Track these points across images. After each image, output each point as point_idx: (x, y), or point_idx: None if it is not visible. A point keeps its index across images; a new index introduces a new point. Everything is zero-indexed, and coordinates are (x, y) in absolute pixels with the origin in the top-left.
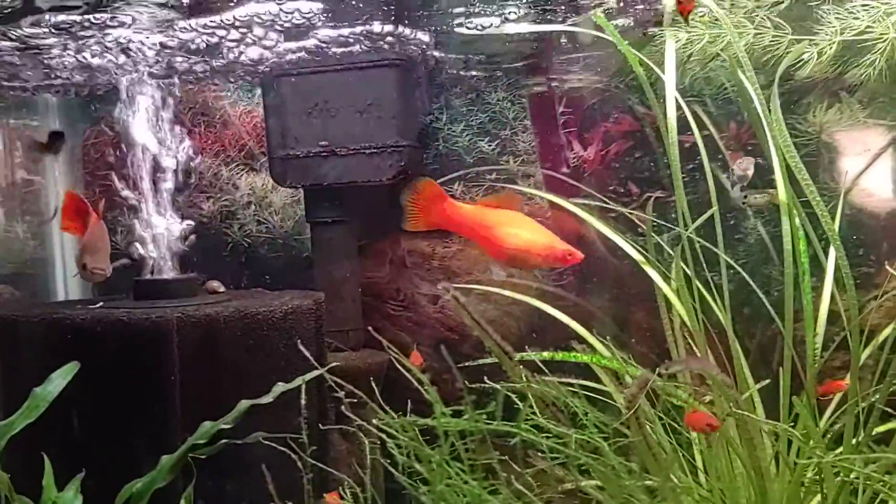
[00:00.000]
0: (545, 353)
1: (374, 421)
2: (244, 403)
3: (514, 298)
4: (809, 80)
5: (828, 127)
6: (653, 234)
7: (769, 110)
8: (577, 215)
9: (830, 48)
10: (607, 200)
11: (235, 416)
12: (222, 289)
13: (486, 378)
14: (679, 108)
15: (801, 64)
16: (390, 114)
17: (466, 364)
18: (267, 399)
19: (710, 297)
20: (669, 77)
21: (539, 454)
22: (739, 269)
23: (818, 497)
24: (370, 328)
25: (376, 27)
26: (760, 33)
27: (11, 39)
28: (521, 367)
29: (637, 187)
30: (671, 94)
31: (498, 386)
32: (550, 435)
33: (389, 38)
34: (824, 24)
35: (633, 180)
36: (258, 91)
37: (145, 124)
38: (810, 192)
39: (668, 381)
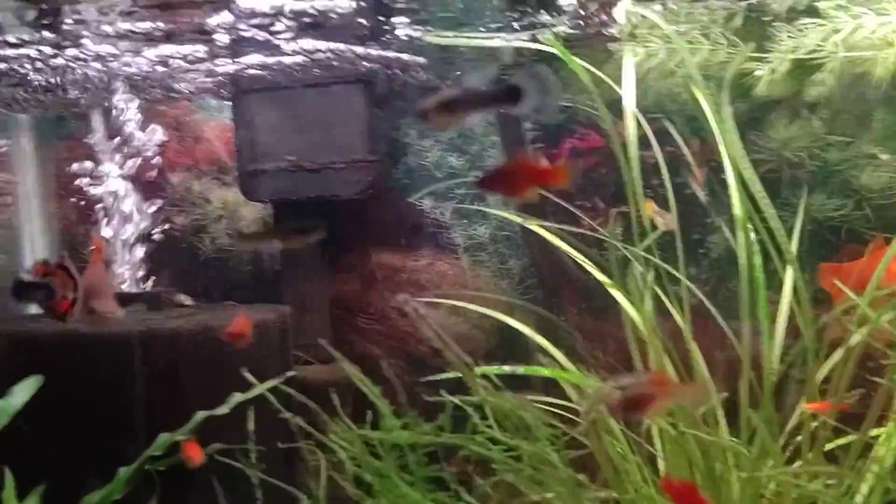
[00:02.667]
0: (506, 367)
1: (331, 435)
2: (200, 414)
3: (484, 313)
4: (771, 98)
5: (790, 143)
6: (619, 248)
7: (723, 125)
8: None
9: (781, 66)
10: (576, 214)
11: (191, 427)
12: (189, 302)
13: (442, 392)
14: (641, 125)
15: (756, 81)
16: (358, 129)
17: (429, 378)
18: (223, 410)
19: (675, 311)
20: (628, 92)
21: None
22: (694, 288)
23: None
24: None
25: (346, 45)
26: (715, 49)
27: None
28: (483, 379)
29: (603, 202)
30: (630, 108)
31: (455, 399)
32: (505, 448)
33: (357, 55)
34: (776, 41)
35: (599, 195)
36: (226, 106)
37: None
38: (765, 205)
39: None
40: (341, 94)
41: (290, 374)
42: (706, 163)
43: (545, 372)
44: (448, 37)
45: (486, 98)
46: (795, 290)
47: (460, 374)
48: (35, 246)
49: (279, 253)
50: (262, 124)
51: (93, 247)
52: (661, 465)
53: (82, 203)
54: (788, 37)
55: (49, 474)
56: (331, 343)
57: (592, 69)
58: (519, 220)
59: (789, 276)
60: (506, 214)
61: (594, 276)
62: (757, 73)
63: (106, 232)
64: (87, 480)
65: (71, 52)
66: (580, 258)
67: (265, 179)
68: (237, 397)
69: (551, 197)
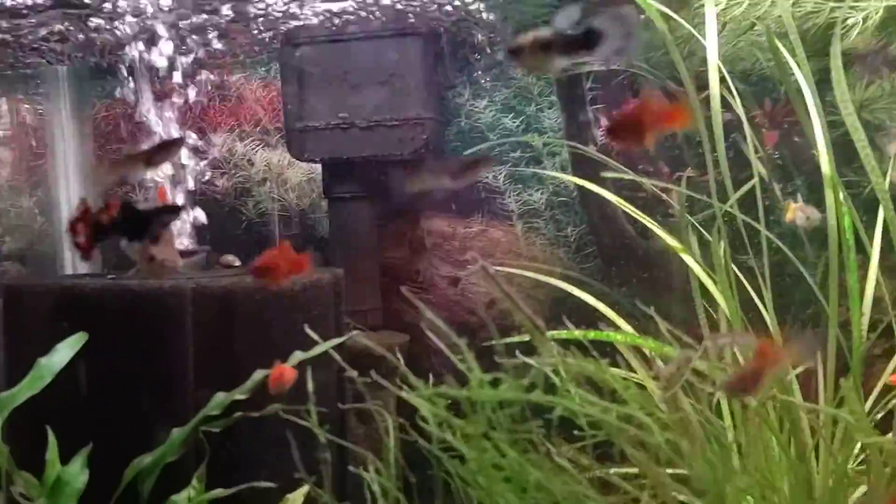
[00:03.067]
0: (576, 332)
1: (402, 392)
2: (259, 373)
3: (538, 282)
4: (850, 51)
5: (868, 104)
6: (686, 216)
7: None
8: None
9: (877, 14)
10: (638, 179)
11: (250, 386)
12: (237, 263)
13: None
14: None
15: (844, 31)
16: (413, 85)
17: (490, 343)
18: (293, 361)
19: (747, 281)
20: (711, 43)
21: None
22: (784, 247)
23: (863, 486)
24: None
25: None
26: (800, 1)
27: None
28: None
29: (668, 167)
30: (713, 60)
31: (532, 361)
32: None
33: (414, 5)
34: None
35: (663, 159)
36: (275, 65)
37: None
38: (867, 159)
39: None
40: (397, 47)
41: (355, 333)
42: (778, 126)
43: (618, 338)
44: None
45: (568, 41)
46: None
47: (528, 338)
48: (73, 208)
49: (327, 218)
50: (312, 79)
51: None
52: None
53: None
54: None
55: (95, 436)
56: (381, 310)
57: (674, 15)
58: (578, 182)
59: (877, 242)
60: (564, 177)
61: (657, 243)
62: (850, 20)
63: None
64: (135, 442)
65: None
66: (648, 223)
67: (314, 138)
68: (298, 355)
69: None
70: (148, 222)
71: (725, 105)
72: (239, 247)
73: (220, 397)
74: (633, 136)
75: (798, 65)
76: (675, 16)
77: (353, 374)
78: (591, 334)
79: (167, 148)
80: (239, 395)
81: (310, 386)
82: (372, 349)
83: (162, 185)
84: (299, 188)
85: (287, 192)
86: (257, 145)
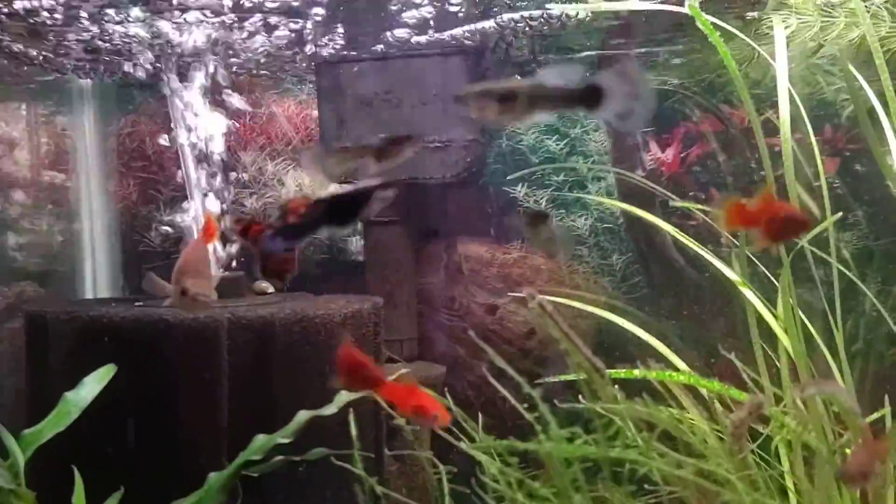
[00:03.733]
0: (636, 371)
1: (462, 445)
2: (303, 415)
3: (581, 311)
4: None
5: None
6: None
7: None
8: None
9: None
10: (689, 206)
11: (295, 428)
12: (271, 290)
13: (572, 398)
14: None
15: None
16: (456, 106)
17: (541, 382)
18: (331, 410)
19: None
20: (781, 65)
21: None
22: (864, 287)
23: None
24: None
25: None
26: (876, 24)
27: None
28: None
29: (720, 193)
30: (784, 84)
31: (597, 406)
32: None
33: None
34: None
35: (715, 185)
36: (308, 83)
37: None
38: None
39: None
40: (440, 66)
41: (403, 371)
42: (839, 153)
43: (681, 378)
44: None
45: (556, 97)
46: None
47: (577, 377)
48: (94, 227)
49: (363, 241)
50: (349, 97)
51: (204, 224)
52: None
53: (147, 180)
54: None
55: (124, 478)
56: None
57: (741, 35)
58: (625, 208)
59: None
60: (609, 202)
61: (710, 274)
62: None
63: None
64: (167, 486)
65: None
66: (702, 253)
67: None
68: (344, 396)
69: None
70: (360, 203)
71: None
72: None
73: (262, 440)
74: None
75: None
76: (742, 36)
77: (400, 421)
78: (653, 374)
79: (400, 143)
80: (282, 438)
81: (352, 429)
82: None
83: (210, 214)
84: None
85: None
86: (289, 165)
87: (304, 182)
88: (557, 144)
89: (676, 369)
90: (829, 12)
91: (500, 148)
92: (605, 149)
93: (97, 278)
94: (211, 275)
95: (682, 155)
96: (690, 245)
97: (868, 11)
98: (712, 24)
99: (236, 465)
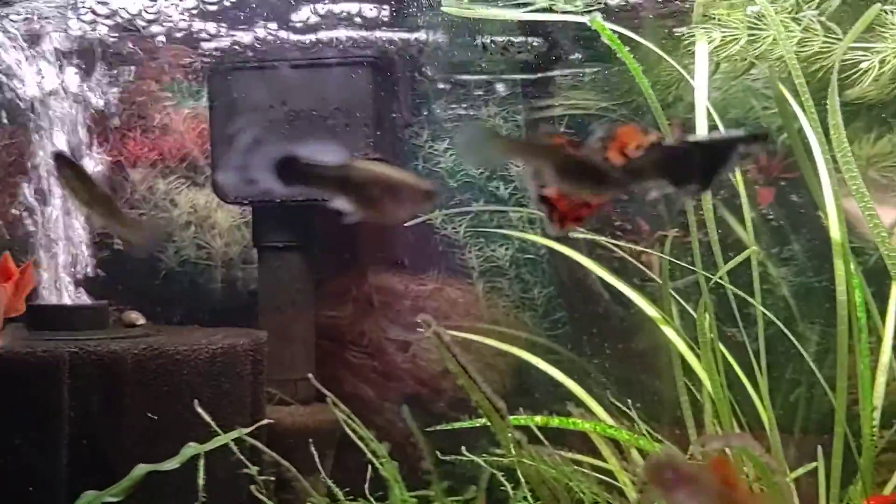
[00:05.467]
0: (538, 418)
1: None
2: (140, 468)
3: (500, 349)
4: (859, 102)
5: (875, 161)
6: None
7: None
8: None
9: (894, 58)
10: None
11: (127, 485)
12: (142, 321)
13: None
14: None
15: (855, 76)
16: (362, 121)
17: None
18: (171, 464)
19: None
20: (700, 86)
21: None
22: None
23: None
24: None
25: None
26: (808, 38)
27: None
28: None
29: (648, 225)
30: (702, 105)
31: (480, 460)
32: None
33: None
34: (888, 27)
35: (642, 216)
36: (204, 92)
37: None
38: (874, 225)
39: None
40: (343, 76)
41: (264, 422)
42: (774, 181)
43: (587, 426)
44: (474, 8)
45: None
46: None
47: (487, 424)
48: None
49: (257, 269)
50: (244, 110)
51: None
52: None
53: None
54: None
55: None
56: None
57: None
58: (547, 241)
59: (891, 321)
60: (531, 237)
61: (637, 310)
62: (863, 65)
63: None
64: None
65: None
66: (624, 288)
67: (244, 177)
68: (190, 450)
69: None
70: (718, 156)
71: None
72: (154, 300)
73: (88, 497)
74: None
75: (805, 113)
76: (658, 50)
77: (274, 456)
78: (556, 421)
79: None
80: (111, 497)
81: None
82: (302, 426)
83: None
84: (229, 234)
85: (214, 239)
86: (183, 183)
87: (198, 202)
88: (477, 168)
89: (592, 413)
90: (757, 25)
91: (416, 170)
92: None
93: None
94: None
95: None
96: (613, 280)
97: (799, 24)
98: (634, 42)
99: None
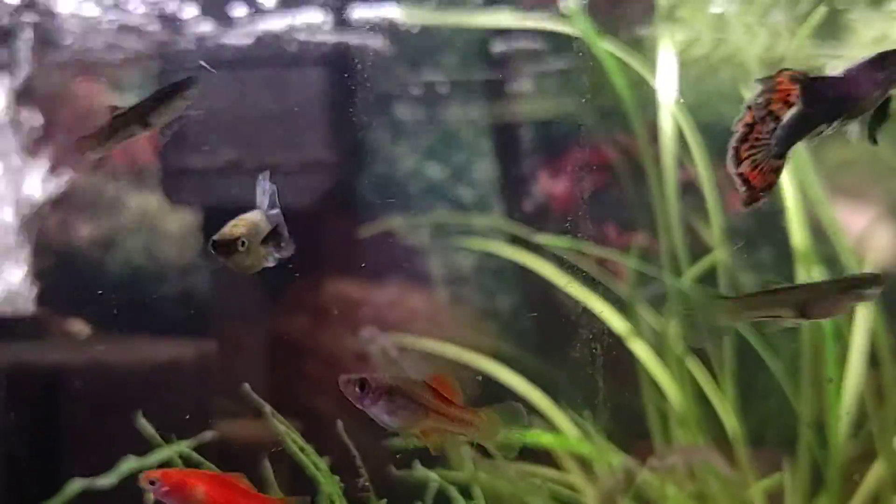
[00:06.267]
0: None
1: None
2: (75, 484)
3: (463, 360)
4: None
5: (845, 169)
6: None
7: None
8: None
9: None
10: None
11: (62, 500)
12: (86, 332)
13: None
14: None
15: None
16: (316, 123)
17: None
18: (108, 480)
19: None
20: (665, 87)
21: None
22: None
23: None
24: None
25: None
26: (775, 39)
27: None
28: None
29: (616, 230)
30: (667, 106)
31: (433, 475)
32: None
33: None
34: (853, 33)
35: (611, 221)
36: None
37: None
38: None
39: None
40: (298, 76)
41: (206, 435)
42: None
43: (550, 441)
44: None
45: None
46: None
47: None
48: None
49: (209, 276)
50: (194, 112)
51: None
52: None
53: None
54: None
55: None
56: (267, 391)
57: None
58: (509, 252)
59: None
60: (495, 247)
61: (606, 322)
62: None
63: None
64: None
65: None
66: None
67: (194, 181)
68: (129, 464)
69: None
70: None
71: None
72: (100, 309)
73: None
74: None
75: None
76: (624, 57)
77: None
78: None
79: None
80: None
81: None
82: (259, 440)
83: None
84: (181, 241)
85: (166, 246)
86: (133, 186)
87: (148, 207)
88: (439, 171)
89: (558, 428)
90: (722, 27)
91: (375, 174)
92: (492, 178)
93: None
94: None
95: (574, 187)
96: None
97: (764, 26)
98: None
99: None
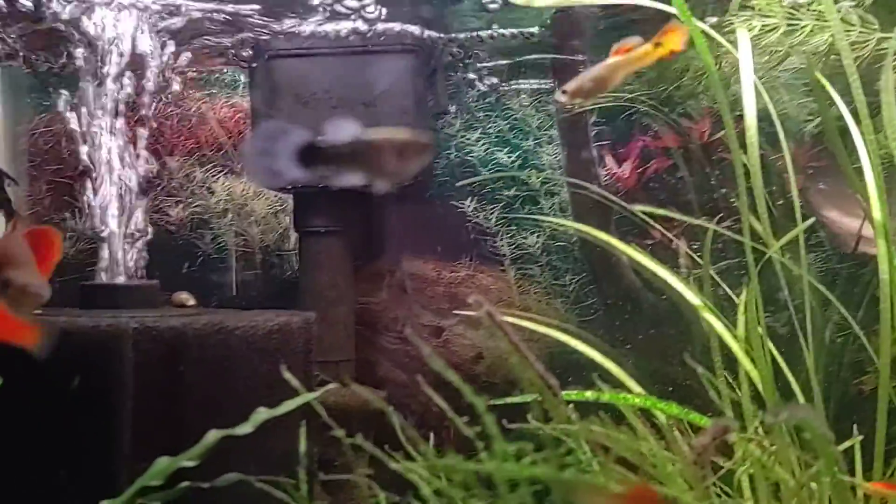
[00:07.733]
0: (588, 394)
1: (396, 464)
2: (212, 435)
3: (530, 335)
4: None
5: None
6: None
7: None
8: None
9: None
10: (649, 223)
11: (201, 450)
12: (192, 302)
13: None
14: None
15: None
16: (402, 108)
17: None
18: (245, 429)
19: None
20: (746, 68)
21: None
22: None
23: None
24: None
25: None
26: (846, 29)
27: None
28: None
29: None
30: (749, 87)
31: (548, 428)
32: None
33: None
34: None
35: (674, 203)
36: (242, 81)
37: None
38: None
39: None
40: (386, 64)
41: (332, 386)
42: (803, 170)
43: (636, 401)
44: None
45: None
46: None
47: (533, 398)
48: None
49: (296, 254)
50: (285, 97)
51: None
52: None
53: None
54: None
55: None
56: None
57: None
58: (578, 227)
59: None
60: (562, 222)
61: (668, 297)
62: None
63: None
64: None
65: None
66: (662, 275)
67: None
68: (262, 414)
69: (615, 202)
70: None
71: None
72: (192, 285)
73: (163, 463)
74: None
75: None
76: (715, 35)
77: (339, 433)
78: (607, 396)
79: None
80: (186, 461)
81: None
82: (344, 406)
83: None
84: (265, 222)
85: (251, 226)
86: (220, 171)
87: (234, 191)
88: (509, 157)
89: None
90: (794, 14)
91: (449, 159)
92: (558, 163)
93: None
94: (35, 264)
95: (639, 170)
96: (648, 266)
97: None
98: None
99: (131, 492)
